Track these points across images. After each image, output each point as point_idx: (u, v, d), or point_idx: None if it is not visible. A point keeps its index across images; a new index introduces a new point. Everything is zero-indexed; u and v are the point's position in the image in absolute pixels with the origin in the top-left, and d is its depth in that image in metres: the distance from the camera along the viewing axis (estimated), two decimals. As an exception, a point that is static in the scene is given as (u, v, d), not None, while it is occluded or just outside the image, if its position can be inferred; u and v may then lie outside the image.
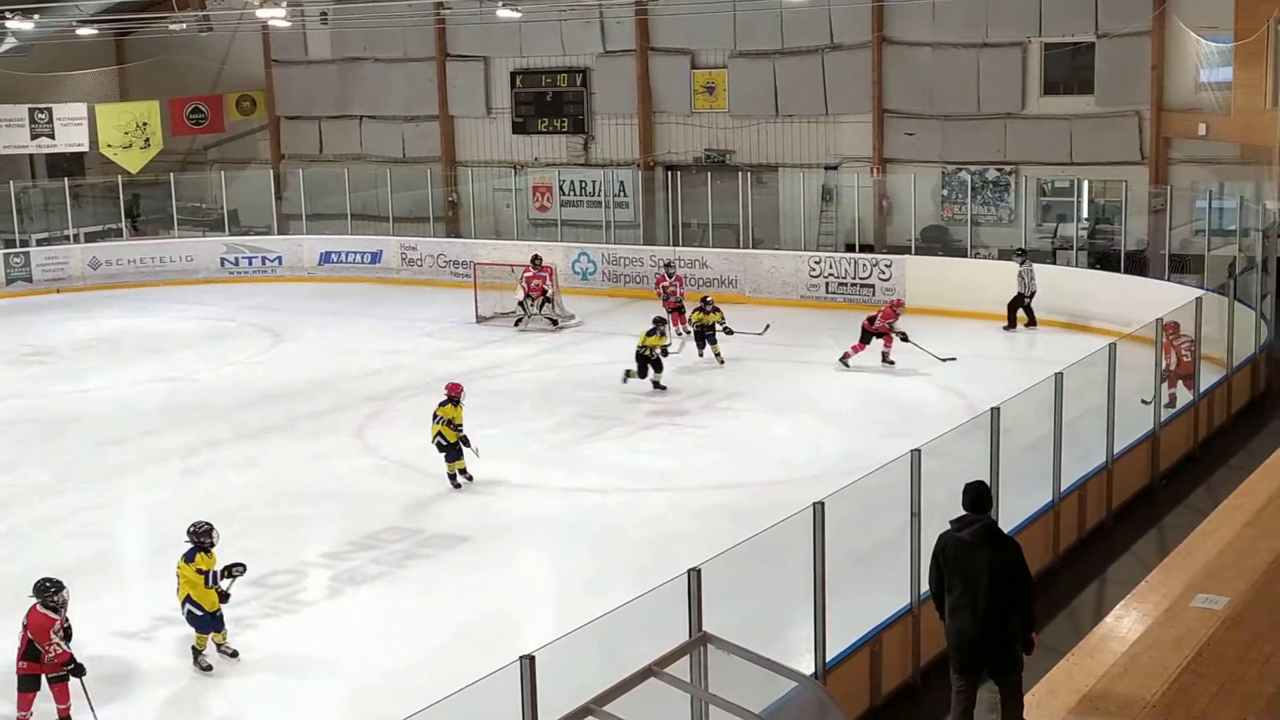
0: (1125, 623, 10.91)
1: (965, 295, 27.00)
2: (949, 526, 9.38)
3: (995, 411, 12.42)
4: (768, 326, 24.68)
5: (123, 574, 15.64)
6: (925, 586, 11.42)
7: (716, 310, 23.58)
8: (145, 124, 37.21)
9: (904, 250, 29.09)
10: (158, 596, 14.18)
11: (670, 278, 26.45)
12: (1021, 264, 25.82)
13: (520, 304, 27.69)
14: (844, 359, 23.12)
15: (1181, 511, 15.52)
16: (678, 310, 25.56)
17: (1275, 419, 19.56)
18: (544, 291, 27.54)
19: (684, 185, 32.10)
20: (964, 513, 9.30)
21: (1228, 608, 10.97)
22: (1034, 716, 9.62)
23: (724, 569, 10.96)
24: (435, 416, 17.28)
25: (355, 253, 34.62)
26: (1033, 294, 25.70)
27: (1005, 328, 25.79)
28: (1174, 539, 13.59)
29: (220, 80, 38.92)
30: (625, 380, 22.04)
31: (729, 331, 23.57)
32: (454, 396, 17.27)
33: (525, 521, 16.31)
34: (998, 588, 8.99)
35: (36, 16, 32.59)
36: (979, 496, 9.31)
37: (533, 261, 27.91)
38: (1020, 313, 25.81)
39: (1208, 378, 18.40)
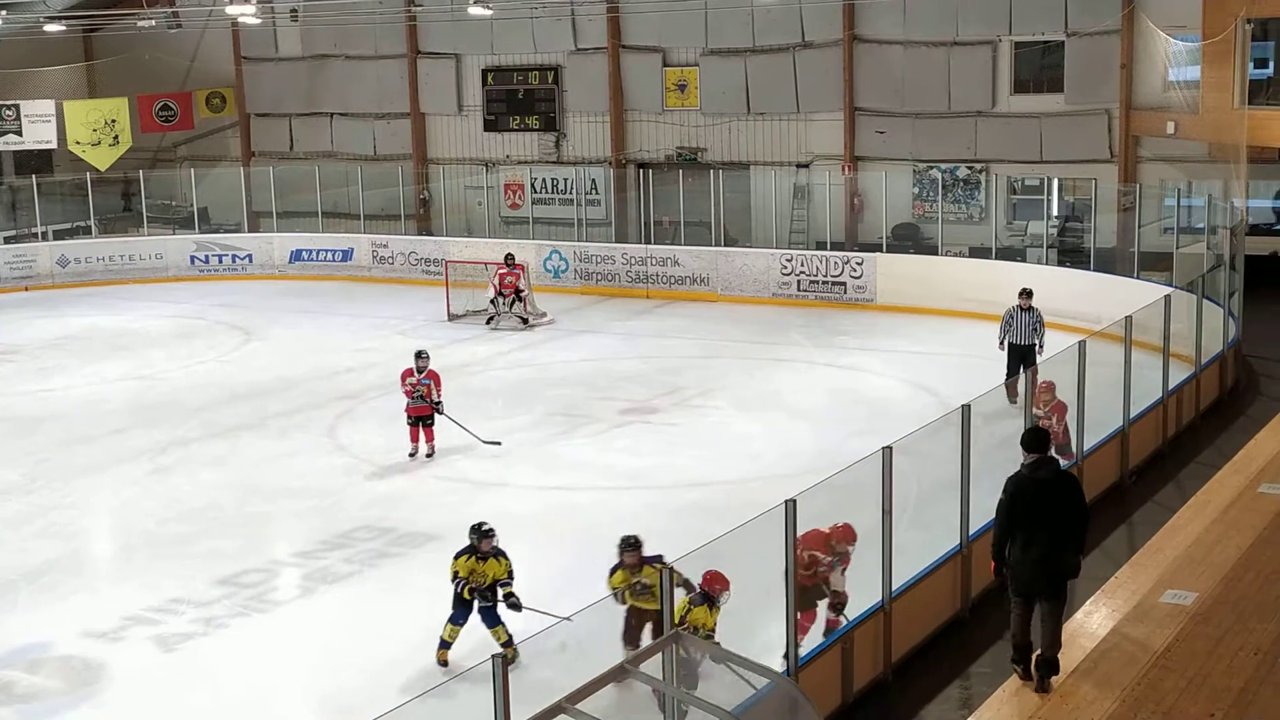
0: (1095, 618, 10.98)
1: (936, 293, 27.10)
2: (1019, 473, 10.09)
3: (966, 408, 12.46)
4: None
5: (93, 574, 15.53)
6: (896, 584, 11.51)
7: (501, 556, 12.56)
8: (114, 121, 36.98)
9: (875, 248, 29.17)
10: (127, 596, 14.14)
11: (422, 372, 18.75)
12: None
13: (492, 302, 27.65)
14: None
15: (1150, 508, 15.60)
16: (424, 423, 18.62)
17: (1243, 416, 19.69)
18: (517, 289, 27.50)
19: (656, 183, 32.13)
20: (1031, 456, 10.01)
21: (1196, 603, 11.05)
22: (1005, 712, 9.69)
23: (696, 567, 10.99)
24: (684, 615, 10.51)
25: (326, 251, 34.50)
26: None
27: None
28: (1143, 535, 13.69)
29: (190, 77, 38.70)
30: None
31: (516, 606, 12.24)
32: (711, 595, 10.69)
33: (497, 520, 16.11)
34: (1067, 520, 9.90)
35: (3, 12, 32.39)
36: (1037, 437, 10.22)
37: (506, 260, 27.87)
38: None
39: (1176, 375, 18.50)
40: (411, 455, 18.62)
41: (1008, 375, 19.09)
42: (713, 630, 10.62)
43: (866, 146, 31.11)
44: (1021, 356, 19.54)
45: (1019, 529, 9.90)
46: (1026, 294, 20.16)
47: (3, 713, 11.85)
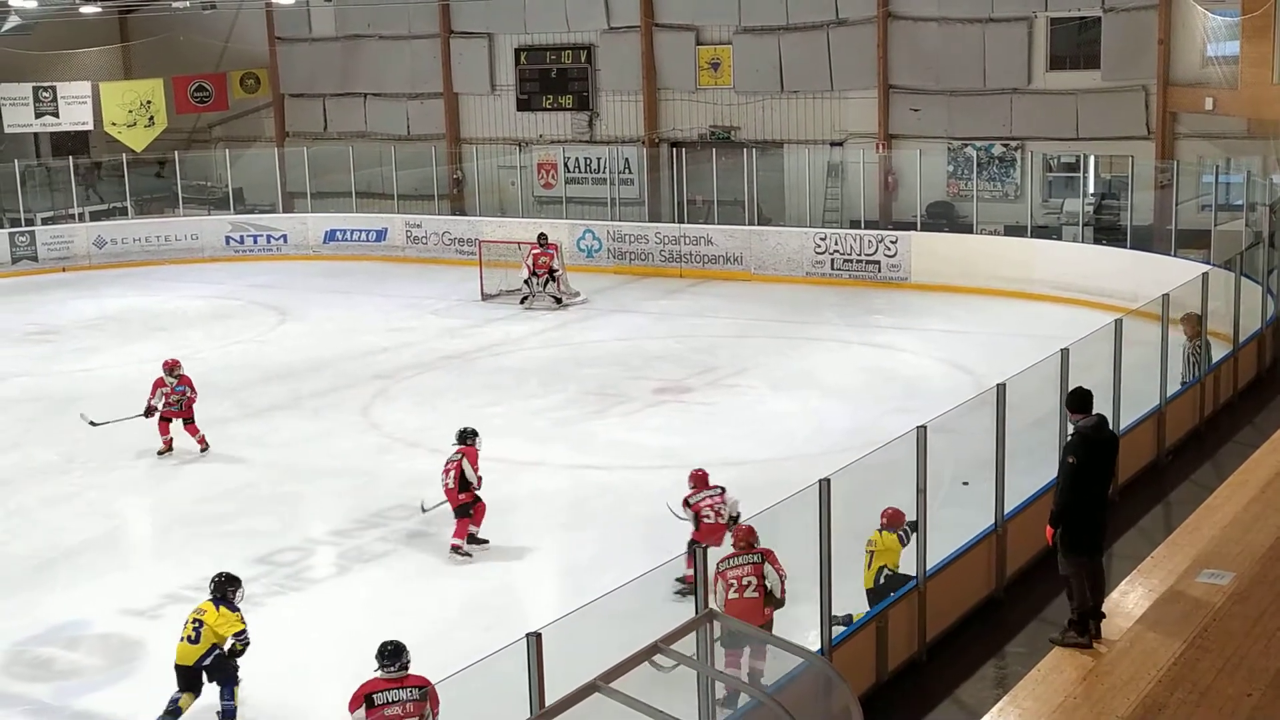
0: (1131, 598, 10.92)
1: (971, 271, 26.99)
2: (1084, 432, 10.25)
3: (1001, 387, 12.39)
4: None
5: (131, 553, 15.68)
6: (931, 563, 11.46)
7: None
8: (149, 102, 37.14)
9: (910, 226, 29.04)
10: (165, 575, 14.25)
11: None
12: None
13: (526, 281, 27.69)
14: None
15: (1187, 487, 15.48)
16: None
17: (1282, 394, 19.52)
18: (551, 269, 27.53)
19: (689, 162, 32.02)
20: (1088, 417, 10.27)
21: (1233, 583, 10.97)
22: (1041, 691, 9.65)
23: (730, 546, 10.99)
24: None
25: (360, 231, 34.59)
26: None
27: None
28: (1180, 515, 13.59)
29: (224, 58, 38.82)
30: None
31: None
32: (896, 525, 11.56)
33: (530, 499, 16.32)
34: (1111, 473, 10.64)
35: (40, -6, 32.55)
36: (1085, 396, 10.44)
37: (539, 239, 27.90)
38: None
39: (1214, 353, 18.33)
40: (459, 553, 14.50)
41: None
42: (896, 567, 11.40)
43: (901, 124, 30.92)
44: None
45: (1088, 490, 10.19)
46: (1195, 319, 16.97)
47: (43, 689, 11.99)
